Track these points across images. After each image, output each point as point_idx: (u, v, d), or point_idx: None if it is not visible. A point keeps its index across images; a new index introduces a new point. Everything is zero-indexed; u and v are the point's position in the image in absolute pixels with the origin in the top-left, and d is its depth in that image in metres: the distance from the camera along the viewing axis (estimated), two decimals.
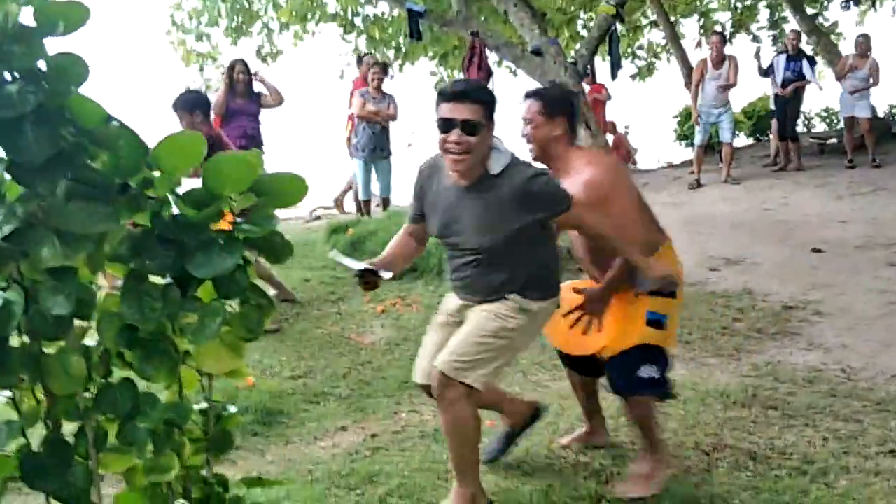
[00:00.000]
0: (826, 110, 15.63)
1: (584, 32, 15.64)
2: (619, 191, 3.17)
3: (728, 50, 10.99)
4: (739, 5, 16.95)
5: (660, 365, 3.30)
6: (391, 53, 15.05)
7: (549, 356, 5.03)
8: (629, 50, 18.33)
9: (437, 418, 4.05)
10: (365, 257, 3.39)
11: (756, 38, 16.90)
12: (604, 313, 3.31)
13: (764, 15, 16.92)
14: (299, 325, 5.77)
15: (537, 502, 3.22)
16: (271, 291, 6.34)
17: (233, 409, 2.11)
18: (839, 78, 11.48)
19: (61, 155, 1.76)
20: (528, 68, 11.68)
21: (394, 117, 9.66)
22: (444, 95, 2.87)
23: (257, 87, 8.13)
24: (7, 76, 1.72)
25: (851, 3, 15.22)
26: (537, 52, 11.44)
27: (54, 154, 1.74)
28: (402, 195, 8.66)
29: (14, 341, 1.85)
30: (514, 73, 15.02)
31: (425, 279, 6.44)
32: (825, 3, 15.80)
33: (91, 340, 1.94)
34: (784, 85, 11.31)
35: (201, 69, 14.92)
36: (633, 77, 18.77)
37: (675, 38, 16.09)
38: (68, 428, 1.91)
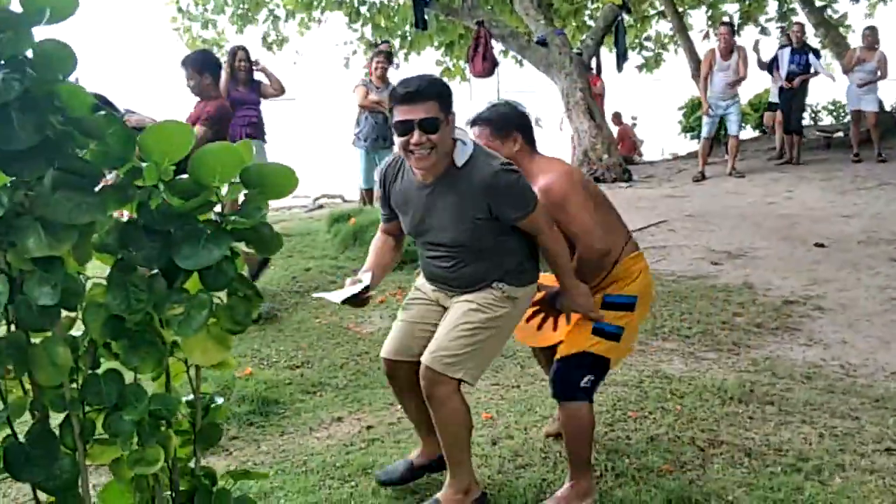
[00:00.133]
0: (833, 103, 15.56)
1: (591, 23, 15.56)
2: (572, 198, 3.09)
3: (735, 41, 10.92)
4: None
5: (596, 375, 3.17)
6: (397, 42, 15.00)
7: None
8: (636, 41, 18.26)
9: None
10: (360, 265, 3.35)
11: (764, 30, 16.82)
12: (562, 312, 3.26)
13: (772, 7, 16.82)
14: (298, 314, 5.76)
15: (532, 496, 3.22)
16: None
17: (220, 400, 2.10)
18: (846, 71, 11.43)
19: (48, 143, 1.75)
20: (534, 59, 11.67)
21: None
22: (398, 97, 2.80)
23: (257, 76, 8.10)
24: None
25: None
26: (543, 43, 11.42)
27: (41, 142, 1.73)
28: None
29: (0, 331, 1.85)
30: (521, 64, 14.99)
31: None
32: None
33: (78, 331, 1.94)
34: (789, 78, 11.24)
35: None
36: (640, 68, 18.72)
37: (682, 29, 15.99)
38: (56, 419, 1.91)
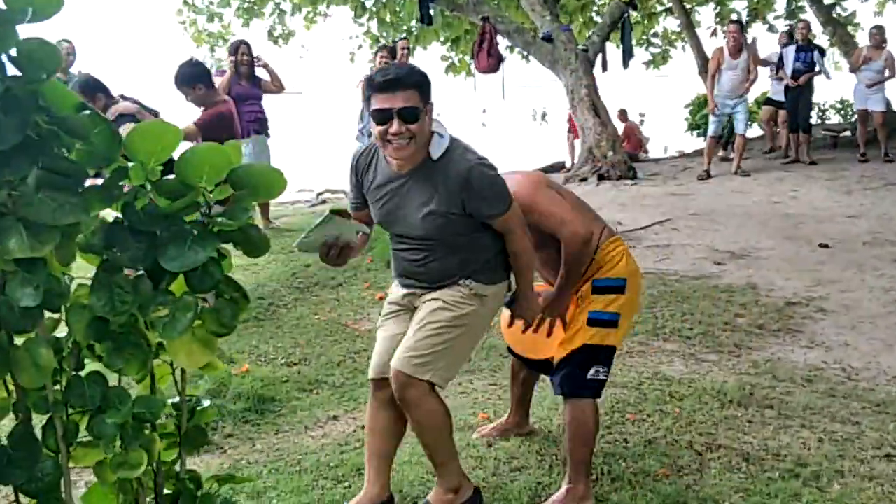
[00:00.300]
0: (841, 102, 15.47)
1: (598, 19, 15.50)
2: (538, 197, 3.12)
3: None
4: None
5: (605, 365, 3.19)
6: (402, 36, 14.95)
7: None
8: (643, 37, 18.19)
9: None
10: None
11: (772, 28, 16.73)
12: (563, 315, 3.25)
13: (781, 4, 16.72)
14: (297, 310, 5.74)
15: (527, 500, 3.19)
16: None
17: (207, 402, 2.08)
18: (854, 70, 11.35)
19: (31, 143, 1.73)
20: (539, 55, 11.62)
21: None
22: (376, 86, 2.73)
23: (259, 72, 8.07)
24: None
25: None
26: (548, 39, 11.36)
27: (24, 142, 1.71)
28: None
29: None
30: (527, 59, 14.92)
31: None
32: None
33: (63, 332, 1.91)
34: (794, 76, 11.16)
35: (212, 50, 14.91)
36: (647, 65, 18.65)
37: (689, 25, 15.92)
38: (39, 421, 1.89)
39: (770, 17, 16.84)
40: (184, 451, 2.01)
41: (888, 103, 11.55)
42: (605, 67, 12.48)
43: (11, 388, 1.88)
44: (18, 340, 1.81)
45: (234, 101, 7.68)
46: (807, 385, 4.39)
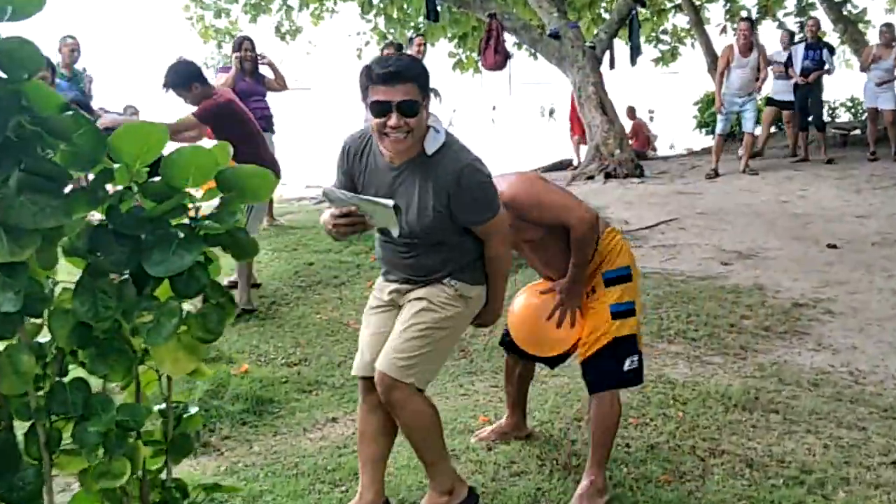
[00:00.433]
0: (852, 100, 15.34)
1: (606, 16, 15.41)
2: (538, 192, 3.17)
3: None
4: None
5: (637, 354, 3.26)
6: (410, 34, 14.90)
7: None
8: (652, 34, 18.09)
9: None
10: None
11: (782, 25, 16.61)
12: (580, 302, 3.25)
13: (791, 1, 16.59)
14: (299, 309, 5.69)
15: None
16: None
17: (194, 409, 2.03)
18: (864, 68, 11.24)
19: (12, 144, 1.68)
20: (546, 52, 11.56)
21: None
22: (375, 77, 2.65)
23: (263, 69, 8.01)
24: None
25: None
26: (555, 36, 11.30)
27: (5, 143, 1.67)
28: None
29: None
30: (535, 56, 14.85)
31: None
32: None
33: (45, 338, 1.87)
34: (804, 74, 11.06)
35: (219, 46, 14.89)
36: (656, 62, 18.55)
37: (699, 22, 15.83)
38: (22, 428, 1.85)
39: (780, 14, 16.71)
40: (170, 458, 1.97)
41: None
42: (612, 65, 12.40)
43: None
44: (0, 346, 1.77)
45: (242, 97, 7.66)
46: (813, 389, 4.33)
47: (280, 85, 8.02)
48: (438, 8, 12.71)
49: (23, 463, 1.79)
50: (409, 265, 2.92)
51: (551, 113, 28.67)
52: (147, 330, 1.79)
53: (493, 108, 26.24)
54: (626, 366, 3.23)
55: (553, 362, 3.66)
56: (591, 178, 10.68)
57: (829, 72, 11.24)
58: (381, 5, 14.49)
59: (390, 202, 2.69)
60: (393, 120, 2.65)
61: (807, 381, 4.43)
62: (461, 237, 2.89)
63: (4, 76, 1.68)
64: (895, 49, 10.90)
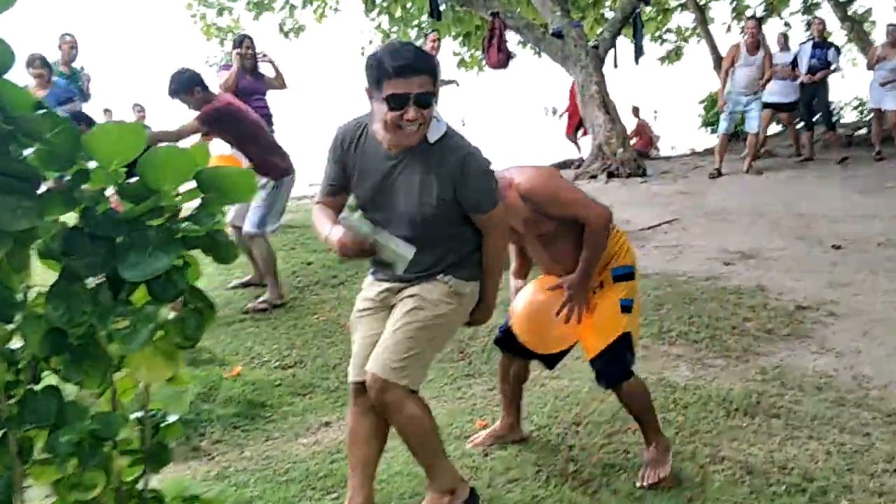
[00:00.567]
0: (858, 99, 15.25)
1: (610, 15, 15.33)
2: (557, 187, 3.21)
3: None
4: None
5: (633, 352, 3.33)
6: (413, 32, 14.84)
7: None
8: (657, 33, 18.02)
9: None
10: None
11: (788, 24, 16.55)
12: (587, 299, 3.24)
13: (796, 0, 16.52)
14: (295, 310, 5.62)
15: None
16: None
17: (173, 418, 1.97)
18: (869, 68, 11.14)
19: None
20: (549, 51, 11.48)
21: None
22: (392, 70, 2.57)
23: (264, 67, 7.93)
24: None
25: None
26: (558, 35, 11.22)
27: None
28: None
29: None
30: (539, 55, 14.78)
31: None
32: None
33: (17, 344, 1.81)
34: (811, 72, 10.96)
35: (222, 43, 14.83)
36: (662, 61, 18.48)
37: (704, 21, 15.75)
38: None
39: (786, 12, 16.63)
40: (148, 468, 1.90)
41: None
42: (616, 63, 12.32)
43: None
44: None
45: (238, 95, 7.59)
46: (816, 393, 4.25)
47: (280, 84, 7.94)
48: (441, 7, 12.65)
49: None
50: None
51: (555, 112, 28.57)
52: (122, 336, 1.73)
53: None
54: (628, 359, 3.31)
55: (551, 361, 3.62)
56: (593, 177, 10.61)
57: (835, 71, 11.14)
58: (385, 4, 14.44)
59: (411, 251, 2.70)
60: (411, 113, 2.61)
61: (810, 384, 4.35)
62: (459, 229, 2.84)
63: None
64: None
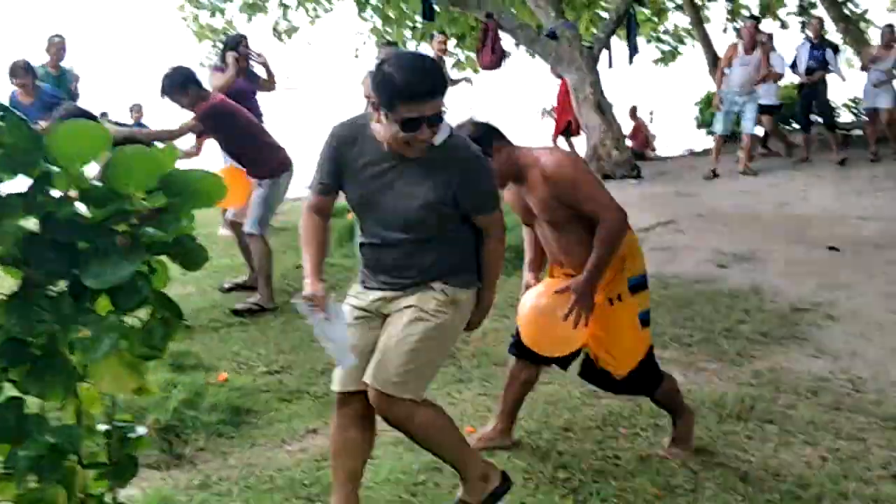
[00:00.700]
0: (853, 100, 15.18)
1: (605, 16, 15.27)
2: (582, 177, 3.17)
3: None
4: None
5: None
6: (407, 33, 14.78)
7: None
8: (652, 34, 17.96)
9: None
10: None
11: (784, 24, 16.48)
12: (593, 303, 3.17)
13: (793, 1, 16.44)
14: (284, 314, 5.53)
15: None
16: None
17: (141, 430, 1.90)
18: (863, 69, 11.09)
19: None
20: (543, 52, 11.42)
21: None
22: (407, 94, 2.53)
23: (257, 68, 7.85)
24: None
25: None
26: (553, 36, 11.14)
27: None
28: None
29: None
30: (533, 56, 14.71)
31: None
32: None
33: None
34: (808, 73, 10.89)
35: (214, 45, 14.73)
36: (657, 62, 18.41)
37: (699, 22, 15.69)
38: None
39: (781, 13, 16.57)
40: (114, 482, 1.83)
41: None
42: (610, 64, 12.25)
43: None
44: None
45: (231, 96, 7.51)
46: (811, 397, 4.19)
47: (269, 86, 7.86)
48: (436, 8, 12.58)
49: None
50: (398, 265, 2.79)
51: (551, 113, 28.48)
52: (84, 346, 1.66)
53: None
54: (656, 365, 3.44)
55: (565, 363, 3.58)
56: None
57: (832, 72, 11.07)
58: (378, 5, 14.37)
59: (353, 360, 2.73)
60: (424, 133, 2.59)
61: (805, 388, 4.29)
62: (456, 232, 2.81)
63: None
64: (894, 50, 10.74)
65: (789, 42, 17.32)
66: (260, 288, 5.72)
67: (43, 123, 5.03)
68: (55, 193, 1.69)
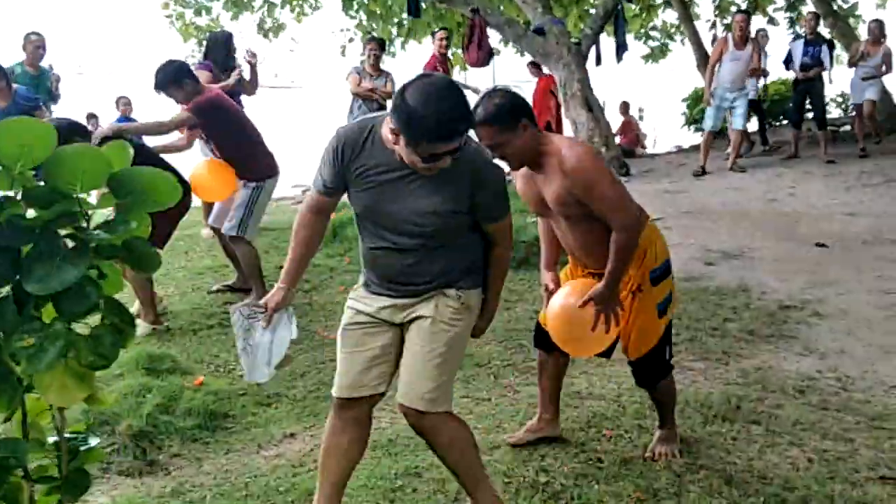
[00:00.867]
0: (842, 96, 15.16)
1: (593, 12, 15.19)
2: (602, 177, 3.03)
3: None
4: None
5: (671, 343, 3.43)
6: (394, 30, 14.68)
7: (522, 357, 4.74)
8: (642, 30, 17.89)
9: (394, 426, 3.78)
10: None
11: (772, 20, 16.42)
12: (617, 302, 3.14)
13: None
14: None
15: None
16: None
17: (94, 441, 1.81)
18: (851, 64, 11.05)
19: None
20: (531, 48, 11.34)
21: (391, 95, 9.27)
22: (438, 138, 2.44)
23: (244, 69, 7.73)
24: None
25: None
26: (540, 32, 11.07)
27: None
28: None
29: None
30: (522, 54, 14.64)
31: None
32: None
33: None
34: (804, 69, 10.80)
35: (200, 44, 14.58)
36: (646, 59, 18.34)
37: (688, 18, 15.61)
38: None
39: (770, 9, 16.51)
40: (64, 497, 1.75)
41: (886, 94, 11.25)
42: (598, 61, 12.18)
43: None
44: None
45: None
46: (798, 397, 4.12)
47: (251, 89, 7.75)
48: (423, 4, 12.50)
49: None
50: (409, 271, 2.72)
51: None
52: (29, 355, 1.58)
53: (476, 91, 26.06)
54: (667, 355, 3.39)
55: (608, 353, 3.52)
56: None
57: (825, 69, 11.01)
58: (364, 1, 14.25)
59: (265, 376, 2.87)
60: (445, 163, 2.52)
61: (792, 388, 4.22)
62: (467, 238, 2.76)
63: None
64: (883, 45, 10.71)
65: (777, 39, 17.27)
66: (256, 290, 5.60)
67: None
68: None
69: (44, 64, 7.89)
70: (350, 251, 6.70)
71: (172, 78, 5.30)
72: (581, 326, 3.14)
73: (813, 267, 6.45)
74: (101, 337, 1.66)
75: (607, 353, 3.50)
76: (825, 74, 11.03)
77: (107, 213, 1.73)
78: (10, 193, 1.61)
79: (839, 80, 12.17)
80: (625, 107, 15.01)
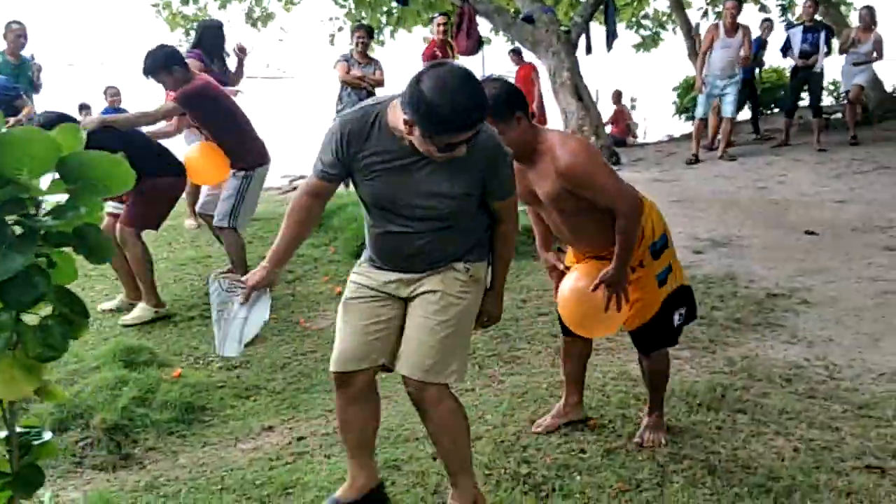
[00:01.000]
0: (833, 83, 15.11)
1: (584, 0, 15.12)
2: (598, 170, 3.06)
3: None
4: None
5: (686, 305, 3.43)
6: (383, 19, 14.58)
7: (507, 347, 4.69)
8: (633, 19, 17.83)
9: None
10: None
11: (764, 8, 16.37)
12: (627, 281, 3.17)
13: None
14: None
15: None
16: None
17: (48, 436, 1.75)
18: (842, 51, 11.00)
19: None
20: (520, 36, 11.27)
21: (381, 83, 9.19)
22: (456, 129, 2.39)
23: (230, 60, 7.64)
24: None
25: None
26: (529, 20, 10.99)
27: None
28: None
29: None
30: (512, 42, 14.56)
31: None
32: None
33: None
34: (803, 56, 10.72)
35: (187, 34, 14.47)
36: (637, 47, 18.28)
37: (679, 6, 15.55)
38: None
39: None
40: (16, 494, 1.69)
41: (877, 81, 11.20)
42: (588, 50, 12.10)
43: None
44: None
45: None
46: (785, 385, 4.08)
47: (236, 80, 7.65)
48: None
49: None
50: (420, 253, 2.69)
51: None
52: None
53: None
54: (676, 321, 3.38)
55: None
56: None
57: (829, 55, 10.95)
58: None
59: (235, 351, 2.90)
60: (462, 150, 2.47)
61: (778, 376, 4.18)
62: (475, 219, 2.75)
63: None
64: (874, 33, 10.67)
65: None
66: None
67: None
68: None
69: (25, 53, 7.78)
70: (335, 241, 6.63)
71: (162, 63, 5.22)
72: (594, 308, 3.18)
73: (802, 255, 6.41)
74: (50, 328, 1.59)
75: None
76: (819, 61, 10.98)
77: (61, 199, 1.67)
78: None
79: (831, 68, 12.12)
80: (617, 96, 14.95)
